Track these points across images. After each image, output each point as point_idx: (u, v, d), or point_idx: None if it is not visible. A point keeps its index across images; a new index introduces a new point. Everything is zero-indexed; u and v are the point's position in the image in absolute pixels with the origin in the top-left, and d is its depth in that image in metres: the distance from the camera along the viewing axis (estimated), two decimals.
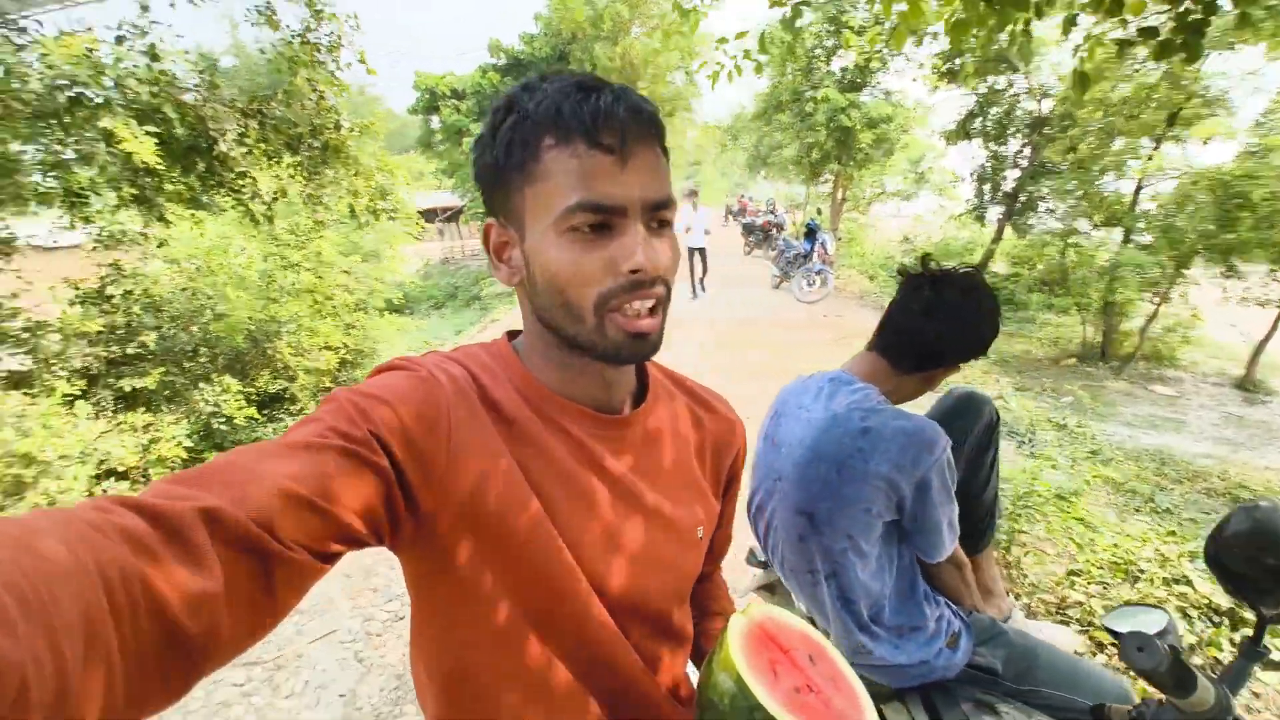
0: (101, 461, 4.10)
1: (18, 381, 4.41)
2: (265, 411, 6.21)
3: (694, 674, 0.82)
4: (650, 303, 0.63)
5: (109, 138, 3.67)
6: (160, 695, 0.41)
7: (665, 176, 0.64)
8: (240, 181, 5.05)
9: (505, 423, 0.67)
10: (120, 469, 4.32)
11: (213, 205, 5.48)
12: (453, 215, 26.69)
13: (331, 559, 0.53)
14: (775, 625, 0.67)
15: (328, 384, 6.45)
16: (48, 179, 4.20)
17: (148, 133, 4.00)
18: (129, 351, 5.11)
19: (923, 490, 1.19)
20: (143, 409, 4.89)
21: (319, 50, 5.23)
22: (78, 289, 5.21)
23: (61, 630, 0.34)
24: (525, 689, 0.69)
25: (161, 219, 5.18)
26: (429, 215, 31.30)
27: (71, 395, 4.28)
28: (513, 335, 0.76)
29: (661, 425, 0.77)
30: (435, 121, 18.73)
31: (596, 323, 0.63)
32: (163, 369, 5.03)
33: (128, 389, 4.87)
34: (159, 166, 4.00)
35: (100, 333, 5.08)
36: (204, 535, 0.44)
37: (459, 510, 0.62)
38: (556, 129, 0.60)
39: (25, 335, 4.62)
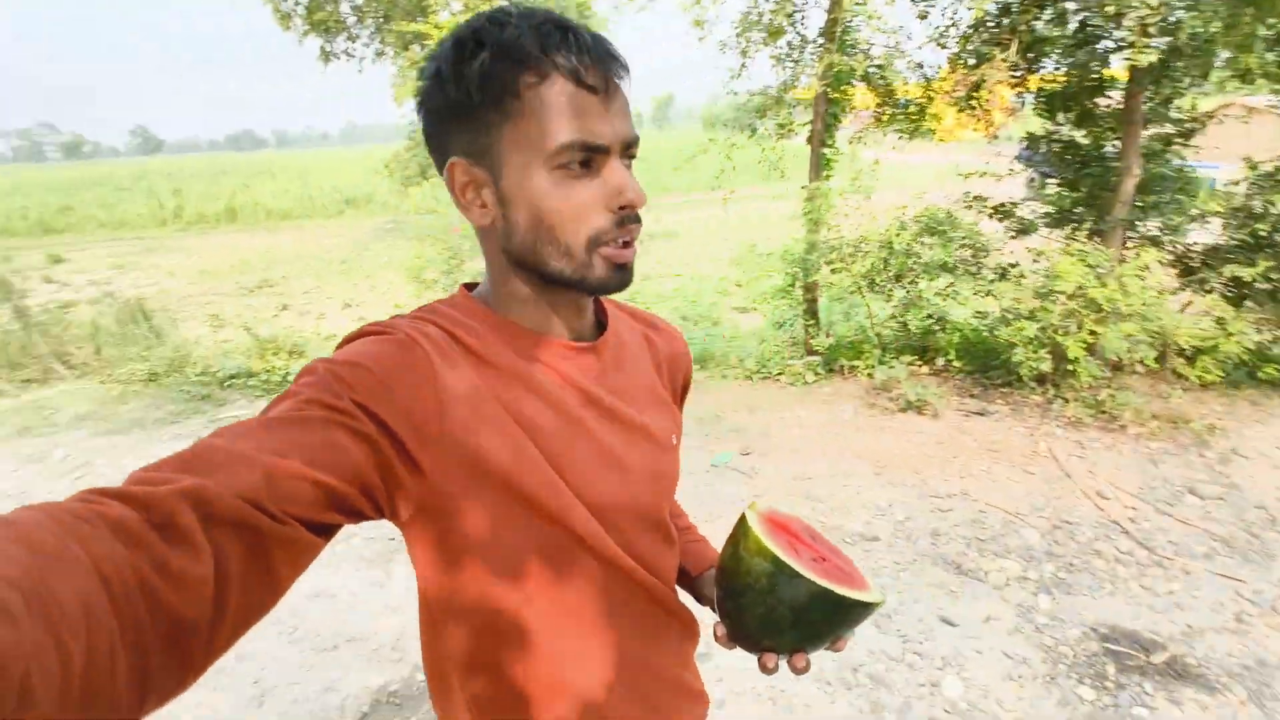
0: (1157, 337, 4.36)
1: (1134, 245, 5.04)
2: None
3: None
4: (629, 236, 0.68)
5: None
6: (168, 683, 0.42)
7: (631, 117, 0.69)
8: None
9: (490, 369, 0.67)
10: (1185, 349, 4.36)
11: None
12: None
13: (328, 531, 0.55)
14: (778, 514, 0.78)
15: None
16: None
17: None
18: (1244, 237, 4.82)
19: None
20: (1243, 299, 4.70)
21: None
22: (1254, 168, 5.07)
23: (62, 623, 0.34)
24: (549, 630, 0.70)
25: None
26: None
27: (1152, 262, 4.54)
28: (469, 289, 0.77)
29: (625, 347, 0.81)
30: None
31: (586, 258, 0.67)
32: (1273, 263, 4.54)
33: (1227, 275, 4.69)
34: None
35: (1233, 210, 4.96)
36: (191, 518, 0.44)
37: (462, 464, 0.63)
38: (540, 66, 0.62)
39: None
